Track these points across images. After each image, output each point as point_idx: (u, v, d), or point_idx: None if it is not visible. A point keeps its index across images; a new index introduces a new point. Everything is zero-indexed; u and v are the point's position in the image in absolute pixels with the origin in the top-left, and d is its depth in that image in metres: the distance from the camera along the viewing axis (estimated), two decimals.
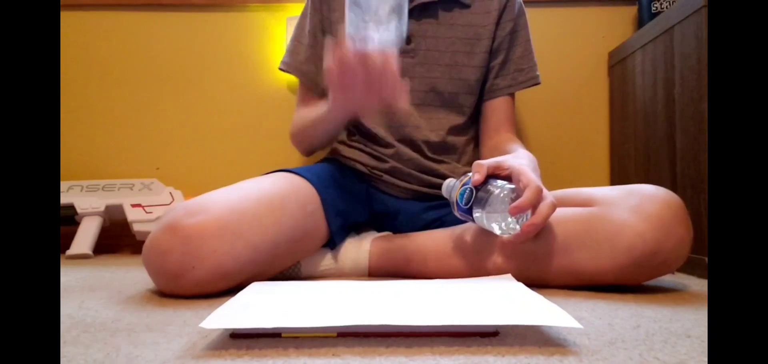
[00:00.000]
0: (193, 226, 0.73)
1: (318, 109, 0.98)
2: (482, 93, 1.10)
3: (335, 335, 0.52)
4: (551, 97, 1.42)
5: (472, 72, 1.06)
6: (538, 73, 1.10)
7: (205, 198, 0.79)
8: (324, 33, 1.07)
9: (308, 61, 1.08)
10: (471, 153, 1.09)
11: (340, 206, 0.94)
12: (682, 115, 1.05)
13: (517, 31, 1.08)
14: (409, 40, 1.03)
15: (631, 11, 1.41)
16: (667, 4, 1.27)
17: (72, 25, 1.46)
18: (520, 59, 1.08)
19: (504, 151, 0.93)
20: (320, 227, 0.91)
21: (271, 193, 0.84)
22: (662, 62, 1.13)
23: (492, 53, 1.07)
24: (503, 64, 1.07)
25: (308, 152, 1.10)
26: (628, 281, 0.78)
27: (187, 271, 0.72)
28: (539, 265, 0.81)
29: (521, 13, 1.08)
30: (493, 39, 1.06)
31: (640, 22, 1.31)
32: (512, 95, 1.10)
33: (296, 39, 1.10)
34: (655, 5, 1.29)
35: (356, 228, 1.01)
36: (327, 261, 0.93)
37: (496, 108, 1.09)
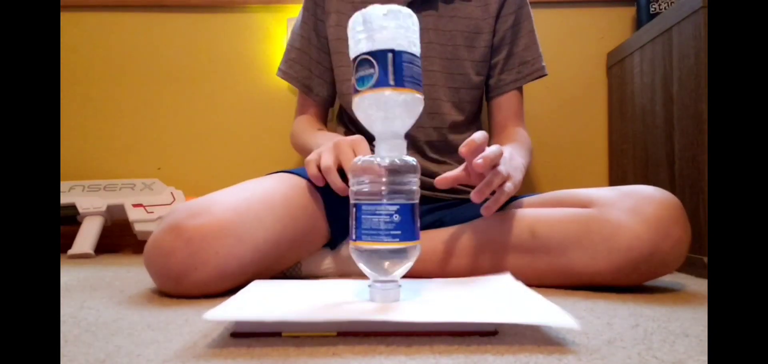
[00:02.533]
0: (195, 227, 0.73)
1: (312, 140, 0.98)
2: (488, 90, 1.09)
3: (335, 333, 0.52)
4: (550, 97, 1.42)
5: (473, 66, 1.05)
6: (543, 64, 1.08)
7: (208, 199, 0.79)
8: (318, 35, 1.08)
9: (301, 67, 1.08)
10: None
11: (341, 207, 0.94)
12: (680, 115, 1.05)
13: (520, 23, 1.06)
14: None
15: (630, 12, 1.42)
16: (666, 4, 1.28)
17: (72, 25, 1.46)
18: (525, 52, 1.06)
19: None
20: (321, 227, 0.91)
21: (273, 194, 0.84)
22: (661, 63, 1.13)
23: (494, 49, 1.06)
24: (507, 58, 1.06)
25: None
26: (625, 282, 0.78)
27: (189, 272, 0.72)
28: (537, 265, 0.82)
29: (523, 5, 1.06)
30: (494, 33, 1.05)
31: (639, 23, 1.31)
32: (520, 89, 1.08)
33: (290, 45, 1.10)
34: (654, 6, 1.29)
35: None
36: (328, 261, 0.94)
37: (502, 104, 1.07)
